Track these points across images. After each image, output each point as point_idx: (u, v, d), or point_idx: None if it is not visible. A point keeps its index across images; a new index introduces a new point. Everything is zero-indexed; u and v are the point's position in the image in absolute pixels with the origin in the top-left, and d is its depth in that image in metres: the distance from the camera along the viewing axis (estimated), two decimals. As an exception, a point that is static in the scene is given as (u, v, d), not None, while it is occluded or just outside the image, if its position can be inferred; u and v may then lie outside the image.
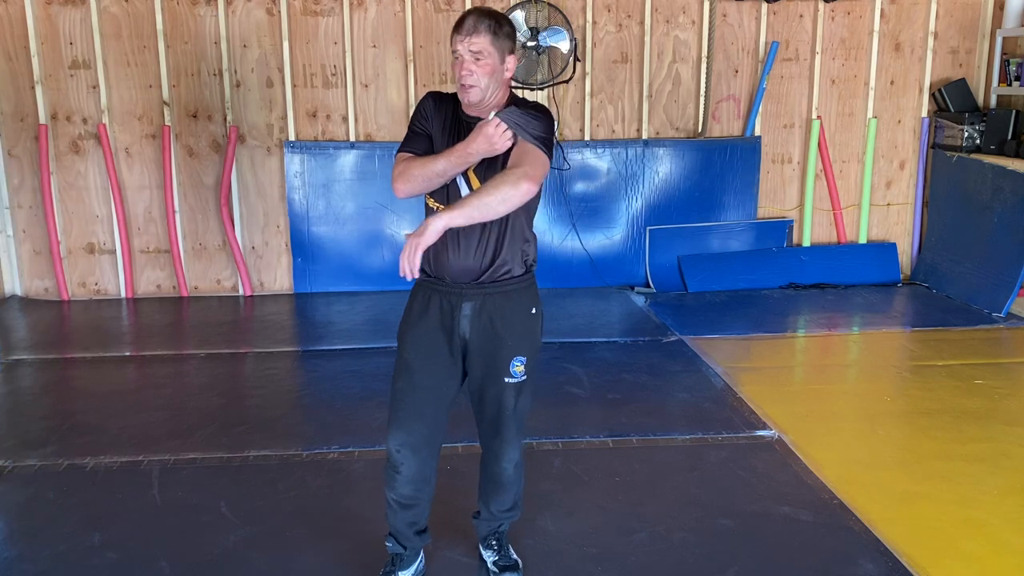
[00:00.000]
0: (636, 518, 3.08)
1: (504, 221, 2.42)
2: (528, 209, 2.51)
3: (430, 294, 2.49)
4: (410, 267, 2.21)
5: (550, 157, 2.37)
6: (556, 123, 2.44)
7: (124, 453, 3.60)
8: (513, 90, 2.54)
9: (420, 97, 2.51)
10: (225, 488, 3.29)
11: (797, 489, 3.27)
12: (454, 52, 2.38)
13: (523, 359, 2.52)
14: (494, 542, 2.76)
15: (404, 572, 2.66)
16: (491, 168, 2.38)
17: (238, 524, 3.04)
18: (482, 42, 2.34)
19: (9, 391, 4.41)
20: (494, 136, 2.31)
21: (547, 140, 2.37)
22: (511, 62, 2.41)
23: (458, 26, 2.37)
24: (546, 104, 6.06)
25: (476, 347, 2.50)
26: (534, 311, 2.56)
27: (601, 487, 3.32)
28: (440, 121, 2.46)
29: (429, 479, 2.59)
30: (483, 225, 2.39)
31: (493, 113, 2.37)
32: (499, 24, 2.37)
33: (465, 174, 2.41)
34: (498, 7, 5.90)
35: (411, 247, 2.20)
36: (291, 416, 4.06)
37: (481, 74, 2.35)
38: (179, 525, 3.05)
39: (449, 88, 5.88)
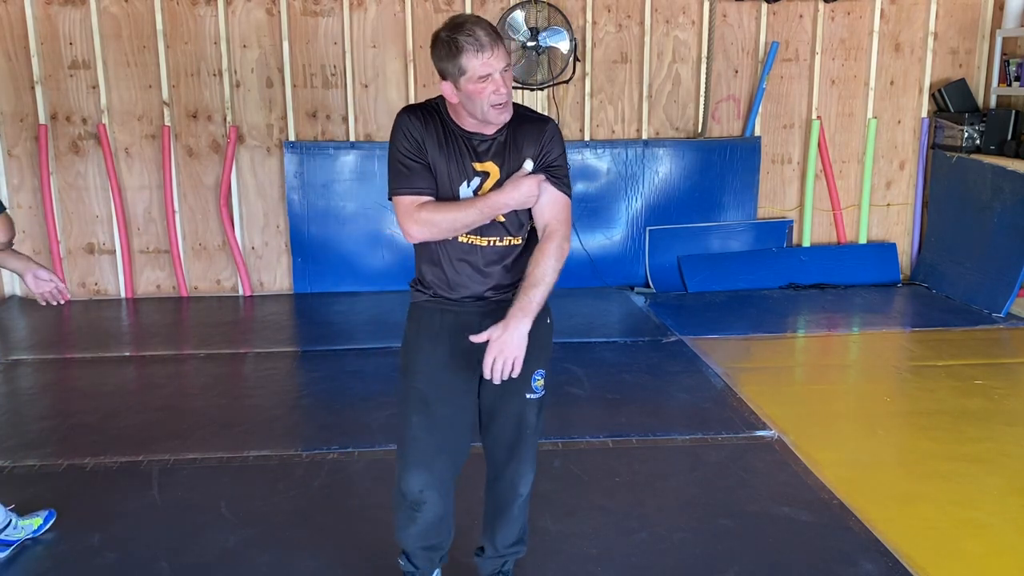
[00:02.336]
0: (636, 518, 3.08)
1: (529, 239, 2.31)
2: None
3: (440, 316, 2.30)
4: (505, 377, 2.13)
5: (570, 192, 2.30)
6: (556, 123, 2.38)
7: (124, 453, 3.59)
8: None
9: (423, 100, 2.33)
10: (225, 488, 3.29)
11: (797, 489, 3.27)
12: (483, 75, 2.11)
13: (543, 372, 2.36)
14: None
15: None
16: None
17: (238, 524, 3.04)
18: (504, 54, 2.14)
19: (9, 391, 4.41)
20: (531, 194, 2.20)
21: (568, 175, 2.30)
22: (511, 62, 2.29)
23: (474, 44, 2.10)
24: (545, 104, 6.08)
25: None
26: (549, 321, 2.40)
27: (601, 487, 3.32)
28: (433, 140, 2.21)
29: (452, 514, 2.38)
30: (506, 248, 2.28)
31: (529, 164, 2.22)
32: (496, 29, 2.20)
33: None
34: (498, 7, 5.91)
35: (507, 363, 2.11)
36: (291, 416, 4.06)
37: (510, 87, 2.17)
38: (179, 525, 3.05)
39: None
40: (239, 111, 5.95)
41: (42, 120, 5.76)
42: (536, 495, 3.18)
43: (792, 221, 6.43)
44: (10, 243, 2.69)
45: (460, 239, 2.24)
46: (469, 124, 2.22)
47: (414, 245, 2.30)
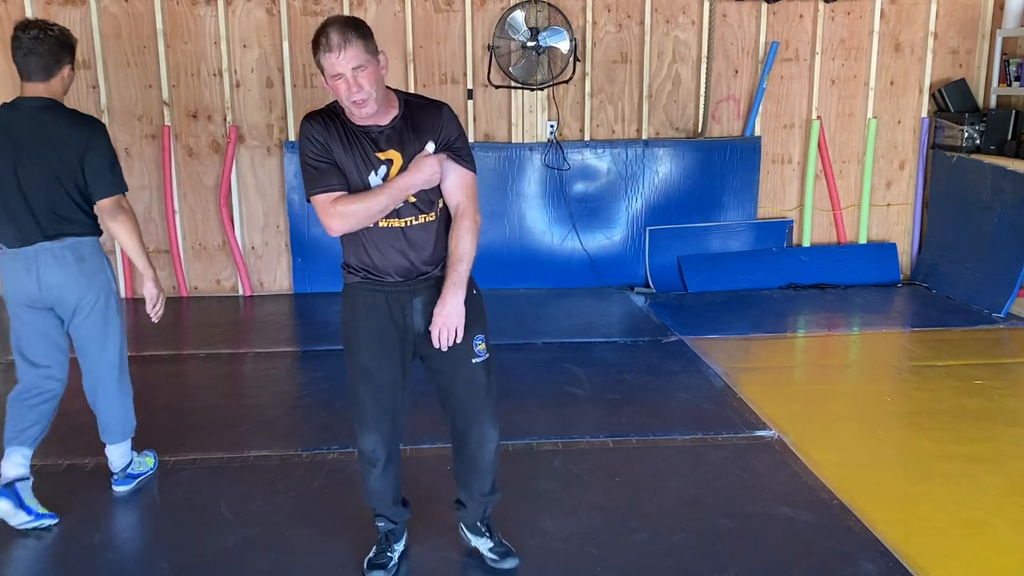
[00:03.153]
0: (636, 518, 3.08)
1: (443, 220, 2.53)
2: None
3: (372, 295, 2.52)
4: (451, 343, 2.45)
5: (474, 168, 2.52)
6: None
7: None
8: (388, 87, 2.48)
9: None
10: (225, 488, 3.29)
11: (797, 489, 3.27)
12: (335, 74, 2.29)
13: (482, 337, 2.57)
14: (484, 529, 2.78)
15: (398, 545, 2.77)
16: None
17: (238, 524, 3.04)
18: (358, 54, 2.28)
19: (9, 391, 4.40)
20: (434, 172, 2.41)
21: (470, 153, 2.51)
22: (384, 60, 2.39)
23: (324, 45, 2.28)
24: (546, 104, 6.08)
25: (432, 339, 2.51)
26: (475, 292, 2.60)
27: (601, 487, 3.32)
28: (336, 140, 2.40)
29: (398, 463, 2.70)
30: (423, 226, 2.49)
31: (431, 146, 2.42)
32: (359, 28, 2.32)
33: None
34: (498, 7, 5.91)
35: (450, 331, 2.43)
36: (291, 416, 4.06)
37: (367, 84, 2.31)
38: (179, 525, 3.05)
39: (448, 87, 5.92)
40: (239, 111, 5.95)
41: (42, 120, 5.75)
42: (536, 495, 3.20)
43: (792, 221, 6.43)
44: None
45: (380, 224, 2.44)
46: (360, 120, 2.40)
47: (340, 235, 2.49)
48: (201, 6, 5.78)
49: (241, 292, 6.16)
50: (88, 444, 3.68)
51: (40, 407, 3.14)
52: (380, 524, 2.75)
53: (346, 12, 5.83)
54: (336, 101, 2.41)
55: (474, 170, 2.51)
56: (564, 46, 5.89)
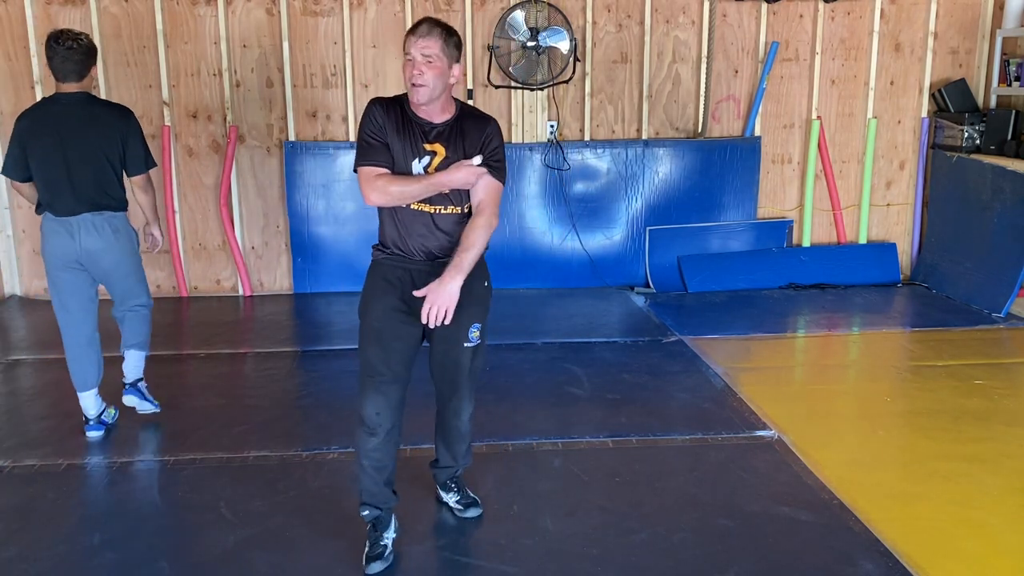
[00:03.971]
0: (636, 518, 3.08)
1: (470, 212, 2.77)
2: None
3: (395, 270, 2.77)
4: (439, 323, 2.62)
5: (504, 180, 2.78)
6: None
7: (124, 453, 3.60)
8: (456, 98, 2.80)
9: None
10: (225, 488, 3.29)
11: (797, 489, 3.27)
12: (407, 55, 2.63)
13: (478, 325, 2.82)
14: (453, 485, 3.10)
15: (388, 533, 2.83)
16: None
17: (238, 524, 3.04)
18: (433, 47, 2.61)
19: (9, 391, 4.41)
20: (470, 178, 2.69)
21: (504, 167, 2.78)
22: (456, 71, 2.68)
23: (412, 30, 2.64)
24: (546, 104, 6.08)
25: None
26: (486, 284, 2.88)
27: (601, 487, 3.32)
28: (392, 124, 2.70)
29: (397, 439, 2.81)
30: (455, 215, 2.75)
31: (478, 159, 2.70)
32: (449, 34, 2.66)
33: (427, 173, 2.71)
34: (498, 7, 5.91)
35: (439, 311, 2.59)
36: (291, 416, 4.06)
37: (430, 76, 2.61)
38: (179, 525, 3.05)
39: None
40: (239, 111, 5.95)
41: (42, 120, 5.76)
42: (536, 495, 3.21)
43: (792, 221, 6.44)
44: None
45: (412, 207, 2.72)
46: (417, 109, 2.69)
47: (379, 214, 2.79)
48: (201, 6, 5.78)
49: (241, 292, 6.16)
50: (88, 444, 3.69)
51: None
52: (365, 513, 2.80)
53: (346, 12, 5.85)
54: (403, 94, 2.74)
55: (503, 181, 2.78)
56: (564, 46, 5.89)
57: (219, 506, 3.16)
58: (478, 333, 2.82)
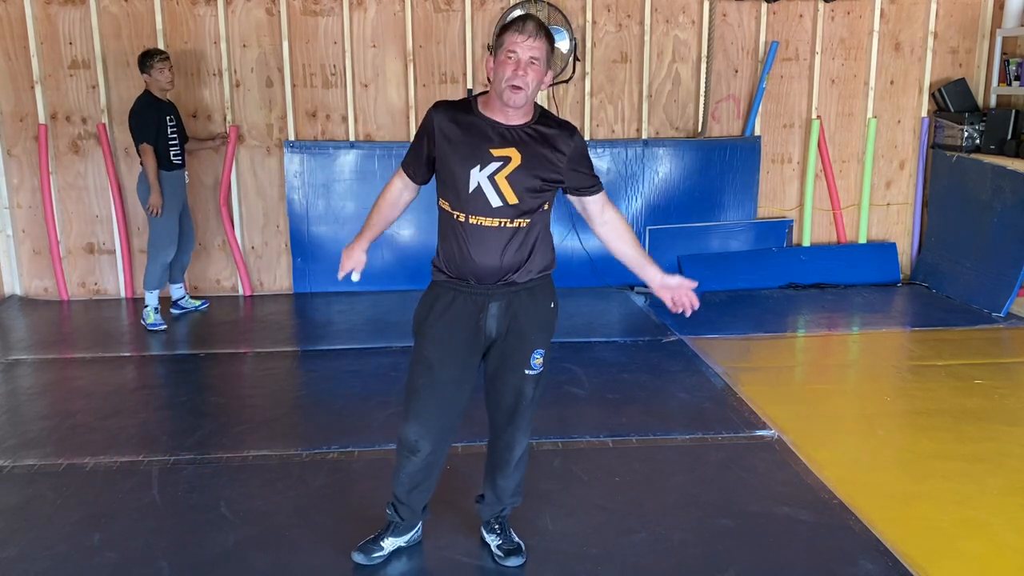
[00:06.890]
0: (636, 518, 3.08)
1: (536, 226, 2.55)
2: (547, 216, 2.63)
3: (453, 294, 2.57)
4: (691, 306, 2.66)
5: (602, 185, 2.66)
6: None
7: (124, 453, 3.60)
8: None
9: (422, 100, 2.68)
10: (225, 488, 3.29)
11: (797, 489, 3.27)
12: (510, 51, 2.41)
13: (542, 352, 2.64)
14: (497, 526, 2.85)
15: (394, 538, 2.79)
16: (521, 177, 2.47)
17: (238, 524, 3.04)
18: (541, 49, 2.42)
19: (9, 391, 4.41)
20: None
21: (595, 172, 2.63)
22: (549, 76, 2.50)
23: (518, 27, 2.42)
24: (545, 104, 6.08)
25: (499, 342, 2.60)
26: (553, 305, 2.67)
27: (601, 487, 3.32)
28: (455, 126, 2.50)
29: (441, 465, 2.74)
30: (515, 230, 2.51)
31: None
32: (552, 39, 2.48)
33: (494, 181, 2.46)
34: (497, 7, 5.91)
35: (688, 301, 2.64)
36: (291, 416, 4.06)
37: (532, 78, 2.42)
38: (179, 525, 3.05)
39: (448, 87, 5.91)
40: (239, 111, 5.95)
41: (42, 120, 5.76)
42: (536, 495, 3.20)
43: (792, 221, 6.43)
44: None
45: (470, 220, 2.49)
46: (495, 111, 2.49)
47: (438, 224, 2.61)
48: (201, 6, 5.78)
49: (241, 292, 6.16)
50: (88, 444, 3.69)
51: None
52: (388, 512, 2.78)
53: (346, 12, 5.84)
54: (476, 95, 2.57)
55: (601, 185, 2.64)
56: (564, 46, 5.89)
57: (219, 506, 3.16)
58: (541, 360, 2.63)
